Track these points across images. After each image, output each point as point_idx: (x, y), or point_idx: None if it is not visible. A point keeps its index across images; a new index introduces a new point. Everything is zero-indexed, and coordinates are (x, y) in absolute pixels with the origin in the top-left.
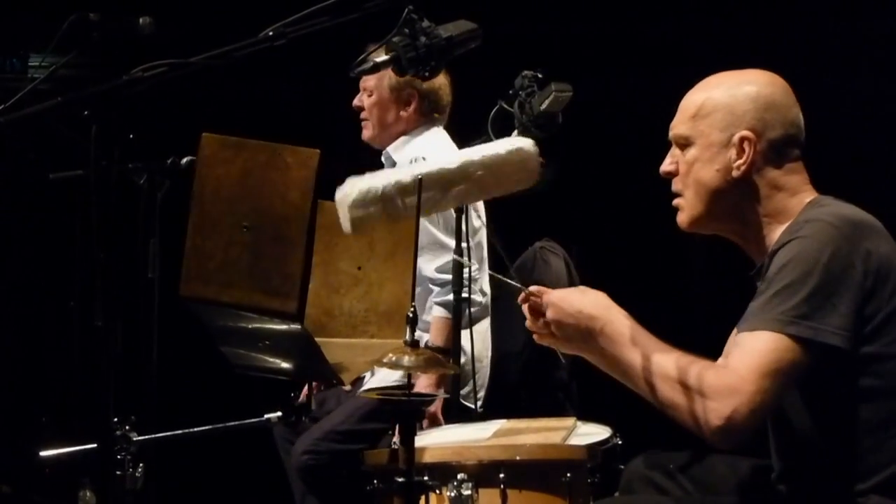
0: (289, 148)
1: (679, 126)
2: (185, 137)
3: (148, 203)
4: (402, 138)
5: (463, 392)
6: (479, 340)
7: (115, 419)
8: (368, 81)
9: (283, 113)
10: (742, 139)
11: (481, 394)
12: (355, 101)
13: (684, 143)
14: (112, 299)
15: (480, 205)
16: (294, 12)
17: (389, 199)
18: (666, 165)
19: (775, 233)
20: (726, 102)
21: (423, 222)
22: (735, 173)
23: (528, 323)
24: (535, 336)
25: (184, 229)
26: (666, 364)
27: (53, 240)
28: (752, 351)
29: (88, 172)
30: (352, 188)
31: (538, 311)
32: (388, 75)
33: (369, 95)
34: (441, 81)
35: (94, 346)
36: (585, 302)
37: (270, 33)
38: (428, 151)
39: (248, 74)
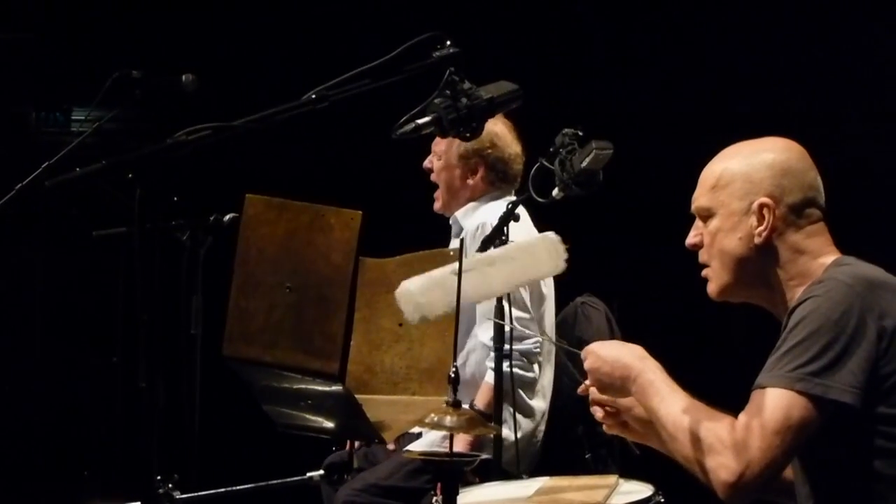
0: (332, 209)
1: (700, 198)
2: (228, 194)
3: (191, 259)
4: (472, 204)
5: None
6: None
7: (158, 477)
8: (439, 145)
9: (326, 173)
10: (761, 206)
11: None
12: (425, 163)
13: (706, 215)
14: (155, 357)
15: None
16: (336, 74)
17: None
18: (691, 238)
19: (798, 295)
20: (744, 171)
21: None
22: (757, 240)
23: (596, 416)
24: (604, 427)
25: (227, 285)
26: (686, 417)
27: (96, 296)
28: (764, 408)
29: (132, 230)
30: (411, 282)
31: (600, 403)
32: (459, 143)
33: (438, 159)
34: (513, 151)
35: (137, 403)
36: (623, 352)
37: (313, 96)
38: (494, 219)
39: (290, 134)
